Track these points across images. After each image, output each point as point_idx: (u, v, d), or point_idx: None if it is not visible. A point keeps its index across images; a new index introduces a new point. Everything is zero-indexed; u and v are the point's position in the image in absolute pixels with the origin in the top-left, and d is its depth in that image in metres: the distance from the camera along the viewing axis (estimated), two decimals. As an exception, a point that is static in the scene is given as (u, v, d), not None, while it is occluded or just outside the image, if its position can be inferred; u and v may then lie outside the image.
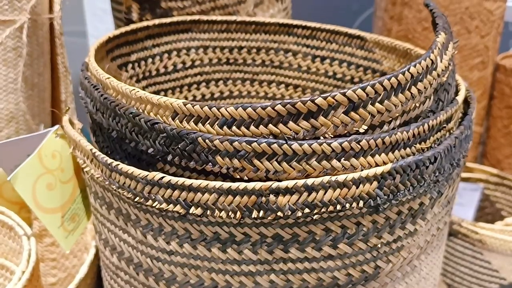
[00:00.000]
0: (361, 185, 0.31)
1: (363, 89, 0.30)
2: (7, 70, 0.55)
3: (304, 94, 0.65)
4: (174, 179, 0.32)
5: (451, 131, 0.37)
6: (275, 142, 0.30)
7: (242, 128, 0.31)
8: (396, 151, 0.33)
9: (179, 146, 0.32)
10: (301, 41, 0.62)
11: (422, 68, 0.32)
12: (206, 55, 0.62)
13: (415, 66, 0.32)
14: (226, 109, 0.31)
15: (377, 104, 0.31)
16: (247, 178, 0.32)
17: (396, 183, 0.32)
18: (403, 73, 0.31)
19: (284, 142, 0.30)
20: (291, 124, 0.30)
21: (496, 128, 0.82)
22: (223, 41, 0.62)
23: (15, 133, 0.58)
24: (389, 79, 0.31)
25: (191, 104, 0.31)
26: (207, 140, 0.31)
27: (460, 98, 0.38)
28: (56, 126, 0.42)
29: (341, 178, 0.31)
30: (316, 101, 0.30)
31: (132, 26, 0.54)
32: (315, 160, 0.31)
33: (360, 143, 0.31)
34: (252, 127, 0.31)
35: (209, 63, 0.63)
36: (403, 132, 0.32)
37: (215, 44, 0.62)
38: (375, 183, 0.32)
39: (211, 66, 0.63)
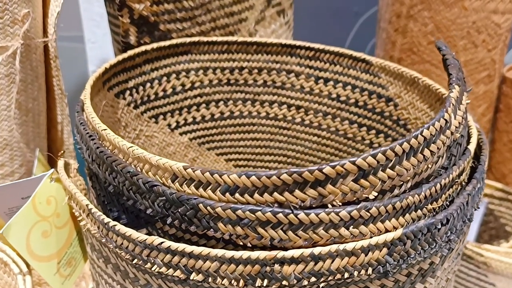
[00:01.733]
0: (370, 253, 0.30)
1: (374, 156, 0.29)
2: (0, 97, 0.53)
3: (306, 115, 0.63)
4: (174, 245, 0.30)
5: (463, 183, 0.36)
6: (280, 212, 0.29)
7: (246, 195, 0.29)
8: (407, 214, 0.31)
9: (179, 210, 0.31)
10: (304, 62, 0.60)
11: (436, 130, 0.30)
12: (206, 76, 0.61)
13: (428, 128, 0.30)
14: (228, 176, 0.29)
15: (388, 170, 0.29)
16: (250, 245, 0.30)
17: (407, 248, 0.31)
18: (416, 137, 0.30)
19: (290, 212, 0.29)
20: (297, 192, 0.29)
21: (502, 142, 0.81)
22: (223, 62, 0.61)
23: (9, 160, 0.56)
24: (401, 145, 0.29)
25: (191, 169, 0.30)
26: (208, 207, 0.30)
27: (472, 147, 0.36)
28: (51, 170, 0.40)
29: (349, 246, 0.29)
30: (324, 170, 0.28)
31: (130, 53, 0.52)
32: (323, 229, 0.29)
33: (370, 211, 0.29)
34: (256, 195, 0.29)
35: (209, 84, 0.61)
36: (415, 195, 0.31)
37: (216, 65, 0.60)
38: (384, 250, 0.30)
39: (211, 87, 0.61)
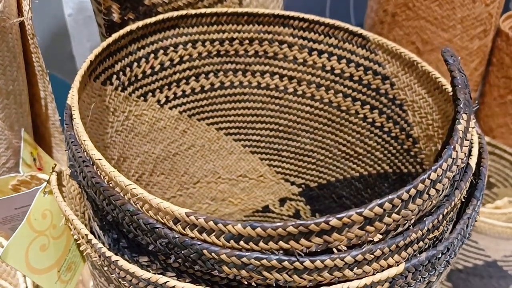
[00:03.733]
0: (372, 289, 0.30)
1: (381, 206, 0.28)
2: (-22, 84, 0.50)
3: (299, 86, 0.61)
4: (179, 285, 0.30)
5: (462, 199, 0.36)
6: (286, 260, 0.29)
7: (251, 243, 0.29)
8: (410, 248, 0.31)
9: (183, 252, 0.30)
10: (298, 33, 0.57)
11: (443, 170, 0.30)
12: (195, 49, 0.58)
13: (435, 171, 0.29)
14: (233, 227, 0.29)
15: (393, 215, 0.29)
16: (255, 284, 0.31)
17: (408, 280, 0.31)
18: (423, 181, 0.29)
19: (296, 260, 0.29)
20: (303, 241, 0.29)
21: (492, 97, 0.80)
22: (213, 34, 0.57)
23: (-6, 145, 0.55)
24: (408, 191, 0.29)
25: (195, 216, 0.29)
26: (213, 253, 0.29)
27: (473, 161, 0.36)
28: (43, 184, 0.39)
29: (352, 285, 0.30)
30: (330, 222, 0.28)
31: (114, 36, 0.49)
32: (327, 272, 0.30)
33: (374, 253, 0.30)
34: (261, 243, 0.29)
35: (198, 57, 0.58)
36: (418, 231, 0.31)
37: (205, 38, 0.57)
38: (386, 285, 0.31)
39: (200, 60, 0.59)
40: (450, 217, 0.34)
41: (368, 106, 0.57)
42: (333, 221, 0.28)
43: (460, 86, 0.33)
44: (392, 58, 0.52)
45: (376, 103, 0.56)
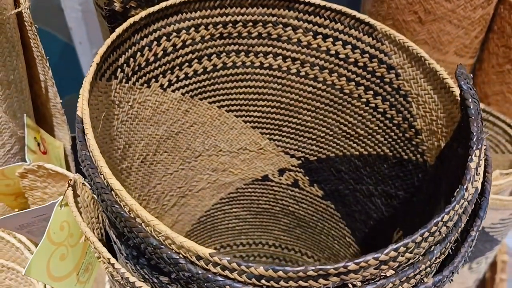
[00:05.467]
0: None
1: (396, 250, 0.30)
2: (-21, 78, 0.49)
3: (302, 67, 0.61)
4: (202, 313, 0.32)
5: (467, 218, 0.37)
6: (305, 297, 0.31)
7: (272, 282, 0.31)
8: (418, 275, 0.33)
9: (206, 285, 0.32)
10: (303, 17, 0.56)
11: (455, 211, 0.31)
12: (198, 33, 0.56)
13: (448, 213, 0.31)
14: (256, 269, 0.30)
15: (406, 254, 0.31)
16: (274, 312, 0.33)
17: (414, 303, 0.34)
18: (436, 224, 0.31)
19: (314, 296, 0.31)
20: (321, 280, 0.30)
21: (490, 64, 0.81)
22: (216, 17, 0.56)
23: (-2, 134, 0.54)
24: (422, 235, 0.30)
25: (218, 257, 0.30)
26: (236, 290, 0.31)
27: (479, 183, 0.37)
28: (60, 198, 0.40)
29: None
30: (349, 267, 0.29)
31: (118, 31, 0.47)
32: (342, 304, 0.32)
33: (387, 287, 0.32)
34: (282, 282, 0.31)
35: (201, 40, 0.57)
36: (427, 262, 0.33)
37: (208, 21, 0.56)
38: (394, 310, 0.33)
39: (203, 43, 0.57)
40: (455, 239, 0.36)
41: (371, 92, 0.57)
42: (351, 266, 0.29)
43: (473, 117, 0.34)
44: (399, 49, 0.52)
45: (380, 90, 0.56)
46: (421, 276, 0.34)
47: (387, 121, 0.58)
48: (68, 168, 0.66)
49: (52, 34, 1.05)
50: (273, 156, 0.73)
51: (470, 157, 0.33)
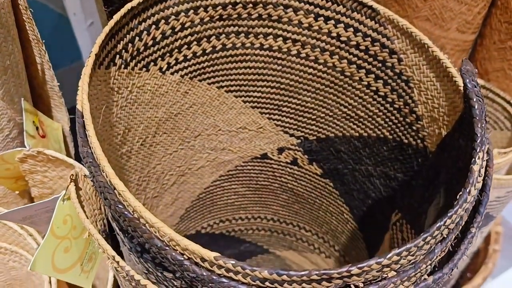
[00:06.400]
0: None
1: (398, 254, 0.30)
2: (-25, 66, 0.48)
3: (303, 49, 0.60)
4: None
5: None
6: (308, 298, 0.31)
7: (276, 284, 0.31)
8: (419, 273, 0.34)
9: (210, 285, 0.33)
10: (304, -1, 0.55)
11: (457, 215, 0.31)
12: (197, 15, 0.55)
13: (451, 217, 0.31)
14: (260, 273, 0.30)
15: (408, 257, 0.31)
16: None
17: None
18: (439, 228, 0.31)
19: (317, 298, 0.31)
20: (324, 283, 0.31)
21: (492, 40, 0.80)
22: (215, -1, 0.55)
23: (-4, 120, 0.54)
24: (424, 239, 0.31)
25: (223, 260, 0.31)
26: (240, 291, 0.32)
27: (479, 186, 0.37)
28: (62, 193, 0.40)
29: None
30: (352, 271, 0.30)
31: (116, 18, 0.46)
32: (344, 304, 0.32)
33: (388, 287, 0.32)
34: (286, 284, 0.31)
35: (200, 22, 0.56)
36: (427, 262, 0.33)
37: (207, 3, 0.55)
38: (395, 308, 0.34)
39: (202, 25, 0.56)
40: (455, 237, 0.36)
41: (372, 76, 0.57)
42: (354, 270, 0.30)
43: (478, 118, 0.34)
44: (402, 35, 0.51)
45: (381, 74, 0.56)
46: (422, 274, 0.34)
47: (387, 105, 0.57)
48: (67, 149, 0.66)
49: (45, 5, 1.03)
50: (272, 135, 0.72)
51: (473, 159, 0.33)
